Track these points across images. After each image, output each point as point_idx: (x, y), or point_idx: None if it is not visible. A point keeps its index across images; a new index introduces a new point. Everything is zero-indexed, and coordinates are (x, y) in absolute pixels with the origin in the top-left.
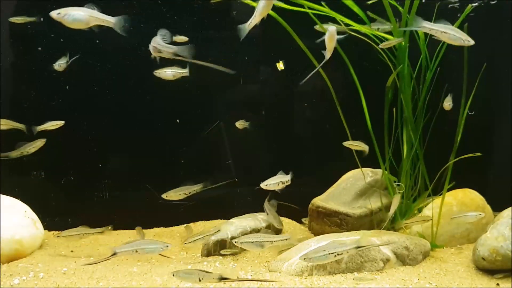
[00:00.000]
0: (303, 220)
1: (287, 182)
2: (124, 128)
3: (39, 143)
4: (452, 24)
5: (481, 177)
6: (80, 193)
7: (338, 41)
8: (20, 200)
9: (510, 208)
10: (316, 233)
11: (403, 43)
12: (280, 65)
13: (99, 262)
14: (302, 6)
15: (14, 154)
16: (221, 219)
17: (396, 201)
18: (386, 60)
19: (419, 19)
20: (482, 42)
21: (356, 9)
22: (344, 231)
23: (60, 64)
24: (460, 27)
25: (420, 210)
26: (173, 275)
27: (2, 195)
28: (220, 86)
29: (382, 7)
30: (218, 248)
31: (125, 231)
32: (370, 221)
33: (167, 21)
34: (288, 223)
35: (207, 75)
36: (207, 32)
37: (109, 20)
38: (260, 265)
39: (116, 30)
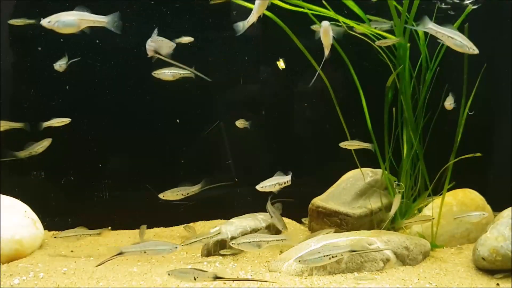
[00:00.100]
0: (303, 220)
1: (285, 183)
2: (124, 128)
3: (46, 142)
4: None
5: (481, 177)
6: (80, 193)
7: (339, 41)
8: (20, 200)
9: (510, 208)
10: None
11: (403, 42)
12: (281, 64)
13: (105, 262)
14: (301, 6)
15: (23, 154)
16: (221, 219)
17: (397, 201)
18: (386, 60)
19: (426, 20)
20: (482, 42)
21: (356, 9)
22: (344, 231)
23: (61, 65)
24: (461, 27)
25: (420, 210)
26: (169, 274)
27: (2, 195)
28: (220, 86)
29: (382, 8)
30: (218, 248)
31: (125, 231)
32: (370, 221)
33: (167, 21)
34: (288, 223)
35: (207, 75)
36: (207, 32)
37: (101, 20)
38: (260, 265)
39: (109, 29)
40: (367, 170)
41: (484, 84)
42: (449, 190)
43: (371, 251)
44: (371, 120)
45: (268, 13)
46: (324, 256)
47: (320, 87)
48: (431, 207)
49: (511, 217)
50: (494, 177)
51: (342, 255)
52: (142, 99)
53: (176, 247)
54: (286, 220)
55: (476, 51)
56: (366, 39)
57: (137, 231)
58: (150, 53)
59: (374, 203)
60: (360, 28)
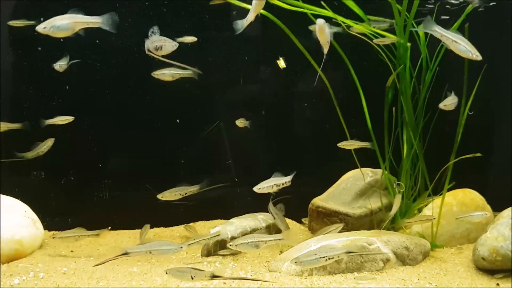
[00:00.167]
0: (303, 220)
1: (284, 184)
2: (124, 128)
3: (50, 142)
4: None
5: (481, 177)
6: (80, 193)
7: (339, 41)
8: (20, 200)
9: (510, 208)
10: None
11: (402, 41)
12: (281, 63)
13: (108, 261)
14: (300, 6)
15: (30, 154)
16: (221, 219)
17: (397, 201)
18: (386, 60)
19: (431, 22)
20: (482, 42)
21: (356, 9)
22: (344, 231)
23: (61, 65)
24: (461, 27)
25: (420, 210)
26: (166, 273)
27: (2, 195)
28: (220, 86)
29: (382, 8)
30: (218, 248)
31: (125, 231)
32: (370, 221)
33: (167, 21)
34: (288, 223)
35: (207, 75)
36: (207, 32)
37: (95, 21)
38: (260, 265)
39: (104, 28)
40: (367, 170)
41: (484, 84)
42: (449, 190)
43: (367, 253)
44: (371, 120)
45: (266, 13)
46: (321, 257)
47: (320, 87)
48: (431, 207)
49: (511, 217)
50: (494, 177)
51: (338, 256)
52: (142, 99)
53: (182, 247)
54: (286, 220)
55: (480, 58)
56: (365, 38)
57: (137, 231)
58: (149, 52)
59: (374, 203)
60: (359, 28)
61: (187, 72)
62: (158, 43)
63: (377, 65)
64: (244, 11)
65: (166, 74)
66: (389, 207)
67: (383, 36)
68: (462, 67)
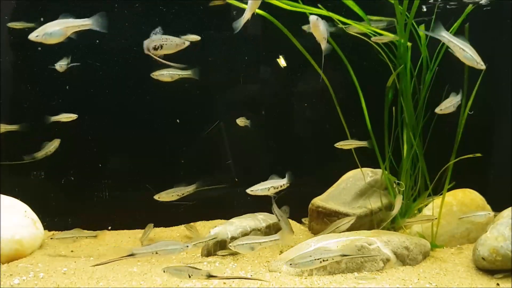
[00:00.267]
0: (303, 220)
1: (281, 186)
2: (124, 128)
3: (56, 143)
4: (451, 24)
5: (481, 177)
6: (80, 193)
7: (339, 41)
8: (20, 200)
9: (510, 208)
10: (316, 233)
11: (402, 40)
12: (281, 61)
13: (113, 261)
14: (299, 6)
15: (40, 154)
16: (221, 219)
17: (399, 201)
18: (386, 60)
19: (440, 27)
20: (482, 42)
21: (356, 9)
22: (344, 231)
23: (61, 65)
24: (461, 27)
25: (420, 210)
26: (164, 271)
27: (2, 195)
28: (220, 86)
29: (382, 8)
30: (218, 248)
31: (125, 231)
32: (370, 221)
33: (167, 21)
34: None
35: (207, 75)
36: (207, 32)
37: (86, 23)
38: (260, 265)
39: (95, 29)
40: (367, 170)
41: (484, 84)
42: (449, 190)
43: (362, 256)
44: (371, 120)
45: (264, 14)
46: (316, 259)
47: (320, 87)
48: (431, 207)
49: (511, 217)
50: (494, 177)
51: (333, 259)
52: (142, 99)
53: (188, 246)
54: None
55: (483, 67)
56: (364, 38)
57: (137, 231)
58: (147, 52)
59: (374, 203)
60: (359, 27)
61: (186, 72)
62: (158, 43)
63: (377, 65)
64: (244, 11)
65: (165, 75)
66: (389, 207)
67: (382, 36)
68: (462, 67)
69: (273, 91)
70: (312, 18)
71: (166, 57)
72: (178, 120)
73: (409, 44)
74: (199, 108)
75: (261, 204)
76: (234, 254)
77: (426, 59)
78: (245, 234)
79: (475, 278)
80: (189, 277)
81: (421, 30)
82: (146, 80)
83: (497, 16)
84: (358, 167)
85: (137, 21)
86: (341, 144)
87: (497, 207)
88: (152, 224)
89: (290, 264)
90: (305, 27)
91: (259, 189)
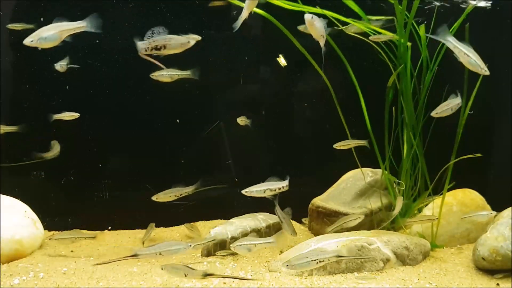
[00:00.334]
0: (303, 220)
1: (279, 189)
2: (124, 128)
3: (57, 145)
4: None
5: (481, 177)
6: (80, 193)
7: (339, 41)
8: (20, 200)
9: (510, 208)
10: (316, 233)
11: (402, 40)
12: (281, 60)
13: (115, 261)
14: (299, 5)
15: (50, 155)
16: (221, 219)
17: (400, 202)
18: (386, 60)
19: (446, 31)
20: (482, 42)
21: (356, 9)
22: (344, 231)
23: (62, 65)
24: (461, 27)
25: (420, 210)
26: (162, 269)
27: (2, 195)
28: (220, 86)
29: (382, 8)
30: (218, 248)
31: (125, 231)
32: (370, 221)
33: (167, 21)
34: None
35: (207, 75)
36: (207, 32)
37: (80, 26)
38: (260, 265)
39: (90, 31)
40: (367, 170)
41: (484, 84)
42: (449, 190)
43: (358, 258)
44: (371, 120)
45: (264, 13)
46: (312, 260)
47: (320, 87)
48: (431, 207)
49: (511, 217)
50: (494, 177)
51: (329, 260)
52: (142, 99)
53: (190, 245)
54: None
55: (487, 73)
56: (363, 38)
57: (137, 231)
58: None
59: (374, 203)
60: (357, 25)
61: (186, 73)
62: (161, 42)
63: (377, 65)
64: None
65: (164, 75)
66: (389, 207)
67: (380, 35)
68: (462, 67)
69: (273, 91)
70: (307, 16)
71: (168, 56)
72: (178, 120)
73: (408, 44)
74: (199, 108)
75: (261, 204)
76: (234, 254)
77: (426, 59)
78: (245, 234)
79: (475, 278)
80: (185, 276)
81: (428, 35)
82: (146, 80)
83: (497, 16)
84: (358, 167)
85: (137, 21)
86: (340, 145)
87: (497, 207)
88: (154, 224)
89: (287, 265)
90: (300, 28)
91: (254, 190)
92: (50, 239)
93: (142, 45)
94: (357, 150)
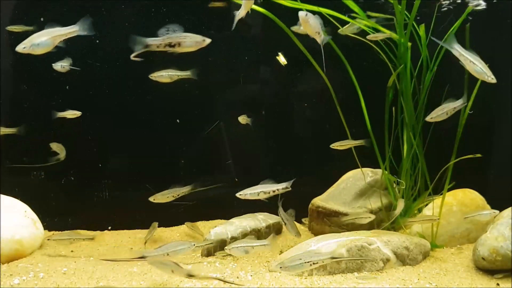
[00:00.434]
0: (303, 220)
1: (274, 191)
2: (124, 128)
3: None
4: (451, 24)
5: (481, 177)
6: (80, 193)
7: (339, 41)
8: (20, 200)
9: (510, 208)
10: (316, 233)
11: (402, 40)
12: (281, 59)
13: (122, 261)
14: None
15: (62, 155)
16: (221, 219)
17: (401, 202)
18: (386, 60)
19: (453, 39)
20: (482, 42)
21: (356, 9)
22: (344, 231)
23: (63, 66)
24: (461, 28)
25: (420, 210)
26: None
27: (2, 195)
28: (220, 86)
29: (382, 8)
30: (218, 248)
31: (125, 231)
32: (370, 221)
33: (167, 21)
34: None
35: (207, 75)
36: (207, 32)
37: (72, 30)
38: (260, 265)
39: (83, 34)
40: (367, 170)
41: (484, 84)
42: (449, 190)
43: (351, 259)
44: (371, 120)
45: (265, 11)
46: (305, 262)
47: (320, 87)
48: (431, 207)
49: (511, 217)
50: (494, 177)
51: (323, 261)
52: (142, 99)
53: (194, 244)
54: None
55: (494, 81)
56: (362, 39)
57: (137, 231)
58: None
59: (374, 203)
60: (355, 23)
61: (186, 73)
62: (175, 40)
63: (377, 65)
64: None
65: (164, 76)
66: (389, 207)
67: (377, 33)
68: (462, 67)
69: (273, 91)
70: (301, 14)
71: (168, 57)
72: (178, 120)
73: (408, 44)
74: (199, 108)
75: (261, 204)
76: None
77: (426, 59)
78: (245, 234)
79: (475, 278)
80: (172, 272)
81: (437, 40)
82: (146, 80)
83: (497, 16)
84: (358, 167)
85: (137, 21)
86: (337, 145)
87: (497, 207)
88: (157, 223)
89: (280, 267)
90: (294, 28)
91: (248, 193)
92: (48, 239)
93: (153, 42)
94: (357, 150)
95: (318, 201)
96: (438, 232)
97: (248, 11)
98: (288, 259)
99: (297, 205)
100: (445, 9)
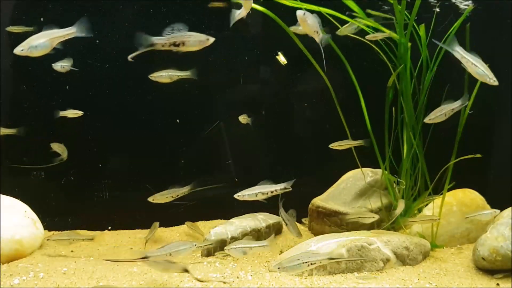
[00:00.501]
0: (303, 220)
1: (271, 192)
2: (124, 128)
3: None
4: (451, 24)
5: (481, 177)
6: (80, 193)
7: (339, 41)
8: (20, 200)
9: (510, 208)
10: (316, 233)
11: (403, 40)
12: (281, 58)
13: (125, 261)
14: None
15: (65, 155)
16: (221, 219)
17: (402, 203)
18: (386, 60)
19: (455, 42)
20: (482, 42)
21: (356, 9)
22: (344, 231)
23: (62, 65)
24: (461, 27)
25: (420, 210)
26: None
27: (2, 195)
28: (220, 86)
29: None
30: (218, 248)
31: (125, 231)
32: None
33: (167, 21)
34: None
35: (207, 75)
36: (207, 32)
37: (70, 32)
38: (260, 265)
39: (80, 35)
40: (367, 170)
41: (484, 84)
42: (449, 190)
43: (351, 259)
44: (371, 120)
45: (265, 10)
46: (303, 263)
47: (320, 87)
48: (431, 207)
49: (511, 217)
50: (494, 177)
51: (320, 262)
52: (142, 99)
53: (195, 244)
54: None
55: (496, 83)
56: (361, 38)
57: (137, 231)
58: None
59: (374, 203)
60: (356, 23)
61: (185, 73)
62: (179, 39)
63: (377, 65)
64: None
65: (164, 76)
66: (389, 207)
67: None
68: (462, 67)
69: (273, 91)
70: (299, 13)
71: (168, 57)
72: (178, 120)
73: (408, 44)
74: (199, 108)
75: (261, 204)
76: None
77: (426, 59)
78: (245, 234)
79: (475, 278)
80: (166, 270)
81: (439, 43)
82: (146, 80)
83: (497, 16)
84: (358, 167)
85: (137, 21)
86: (336, 145)
87: (497, 207)
88: (158, 223)
89: (278, 267)
90: (292, 28)
91: (246, 194)
92: (47, 240)
93: (158, 41)
94: (357, 150)
95: (318, 201)
96: (438, 232)
97: (248, 11)
98: (286, 260)
99: (297, 205)
100: (438, 10)
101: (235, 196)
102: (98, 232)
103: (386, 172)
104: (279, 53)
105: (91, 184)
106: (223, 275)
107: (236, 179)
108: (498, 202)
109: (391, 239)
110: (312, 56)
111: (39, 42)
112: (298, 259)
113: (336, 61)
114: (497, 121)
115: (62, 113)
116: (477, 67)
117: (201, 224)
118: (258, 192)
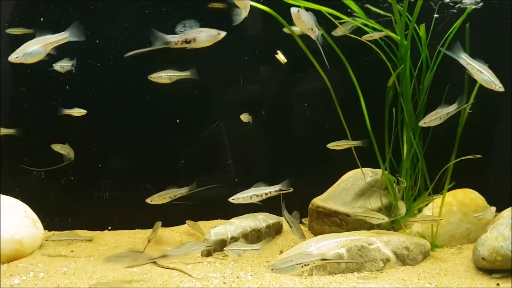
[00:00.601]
0: (303, 220)
1: (266, 194)
2: (124, 128)
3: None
4: (451, 24)
5: (481, 177)
6: (80, 193)
7: (339, 41)
8: (20, 200)
9: (510, 208)
10: (316, 233)
11: (403, 41)
12: (281, 56)
13: (143, 264)
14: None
15: (72, 155)
16: (221, 219)
17: (403, 206)
18: (385, 60)
19: (459, 48)
20: (482, 42)
21: (356, 8)
22: (344, 231)
23: (63, 66)
24: (461, 27)
25: (420, 210)
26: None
27: (2, 195)
28: (220, 86)
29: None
30: (218, 248)
31: (125, 231)
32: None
33: (167, 21)
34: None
35: (207, 75)
36: None
37: (63, 37)
38: (260, 265)
39: (73, 40)
40: (367, 170)
41: None
42: (449, 190)
43: (343, 261)
44: (371, 120)
45: (268, 9)
46: (297, 264)
47: (320, 87)
48: (431, 207)
49: (511, 217)
50: (494, 177)
51: (314, 263)
52: (142, 99)
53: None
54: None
55: (502, 89)
56: (366, 41)
57: (137, 231)
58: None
59: (374, 203)
60: (353, 22)
61: (185, 73)
62: (191, 36)
63: (377, 65)
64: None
65: (163, 76)
66: (389, 207)
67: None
68: (462, 67)
69: (273, 91)
70: (293, 10)
71: (167, 57)
72: (178, 120)
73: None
74: (199, 108)
75: (261, 204)
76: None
77: (426, 59)
78: (245, 234)
79: (475, 278)
80: (134, 261)
81: (445, 50)
82: (146, 80)
83: (497, 16)
84: (358, 167)
85: (137, 21)
86: (334, 145)
87: (497, 207)
88: (160, 223)
89: (272, 269)
90: (286, 29)
91: (240, 197)
92: (46, 240)
93: (172, 39)
94: (357, 150)
95: (318, 201)
96: (438, 232)
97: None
98: (280, 261)
99: (297, 205)
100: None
101: (230, 200)
102: (98, 232)
103: (386, 172)
104: (278, 51)
105: (91, 184)
106: (223, 275)
107: (236, 179)
108: (498, 202)
109: (391, 239)
110: (312, 56)
111: (33, 49)
112: (292, 260)
113: (336, 61)
114: (497, 121)
115: (67, 111)
116: (483, 73)
117: (201, 224)
118: (253, 195)
